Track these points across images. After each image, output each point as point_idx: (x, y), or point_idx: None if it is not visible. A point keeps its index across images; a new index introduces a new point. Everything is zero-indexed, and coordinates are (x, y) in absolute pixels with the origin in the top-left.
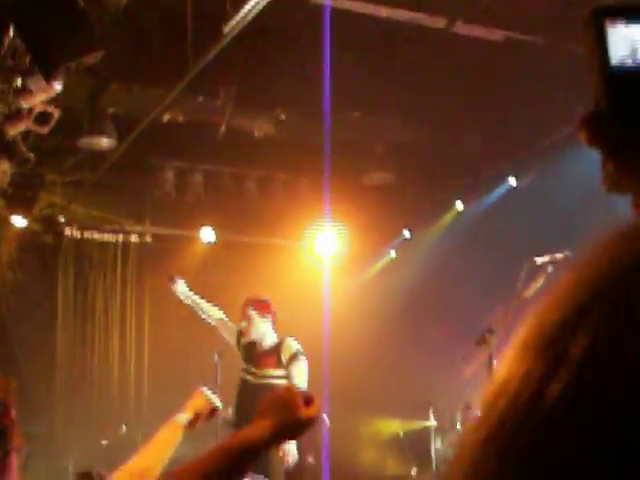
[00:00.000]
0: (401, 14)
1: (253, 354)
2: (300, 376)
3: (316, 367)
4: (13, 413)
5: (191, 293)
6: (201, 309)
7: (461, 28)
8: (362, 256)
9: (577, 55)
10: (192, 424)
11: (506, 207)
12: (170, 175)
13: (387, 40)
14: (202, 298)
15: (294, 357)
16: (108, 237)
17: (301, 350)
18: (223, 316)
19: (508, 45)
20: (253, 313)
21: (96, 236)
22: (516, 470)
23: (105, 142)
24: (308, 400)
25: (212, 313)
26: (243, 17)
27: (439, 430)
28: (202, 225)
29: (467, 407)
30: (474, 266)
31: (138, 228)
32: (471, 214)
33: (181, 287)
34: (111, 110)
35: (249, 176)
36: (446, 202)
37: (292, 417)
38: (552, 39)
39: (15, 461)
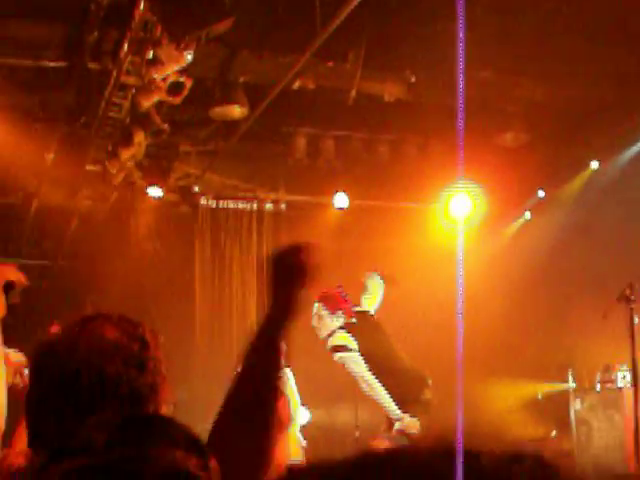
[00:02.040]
0: None
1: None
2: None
3: (451, 331)
4: (163, 368)
5: None
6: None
7: None
8: (497, 218)
9: None
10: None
11: None
12: (302, 142)
13: None
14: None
15: (336, 349)
16: (243, 205)
17: (347, 346)
18: None
19: None
20: (323, 311)
21: (231, 205)
22: None
23: (237, 111)
24: (295, 250)
25: None
26: None
27: (578, 392)
28: (335, 191)
29: (607, 368)
30: (610, 226)
31: (272, 196)
32: (607, 172)
33: None
34: (242, 79)
35: (380, 140)
36: (581, 161)
37: (280, 271)
38: None
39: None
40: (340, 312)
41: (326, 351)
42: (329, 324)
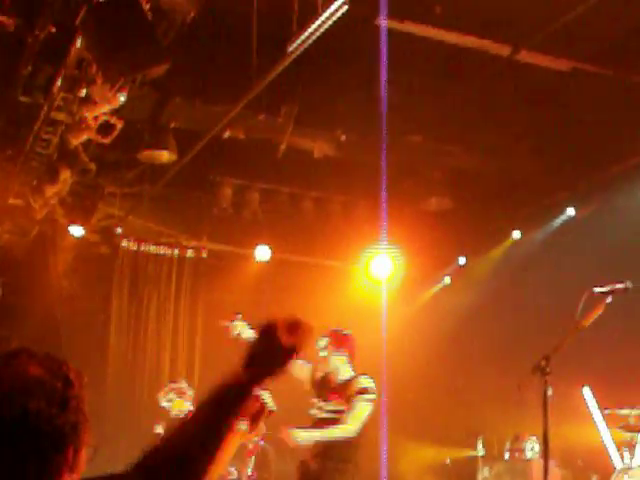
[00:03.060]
0: (466, 40)
1: (324, 389)
2: (358, 412)
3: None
4: (85, 408)
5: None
6: None
7: (526, 56)
8: (417, 281)
9: (635, 85)
10: (251, 429)
11: (563, 238)
12: (228, 192)
13: (451, 65)
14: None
15: (361, 392)
16: (164, 250)
17: (372, 388)
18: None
19: (574, 75)
20: (328, 345)
21: (152, 249)
22: None
23: (166, 156)
24: (292, 327)
25: None
26: (307, 37)
27: (487, 459)
28: (258, 243)
29: (517, 437)
30: (529, 295)
31: (194, 243)
32: (527, 243)
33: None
34: (173, 124)
35: (306, 196)
36: (503, 230)
37: (268, 344)
38: (618, 69)
39: (84, 458)
40: (343, 349)
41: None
42: (333, 360)
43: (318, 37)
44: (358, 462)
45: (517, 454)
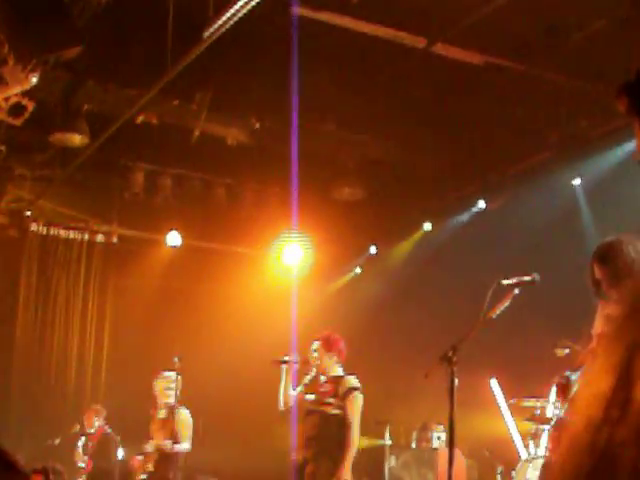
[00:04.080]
0: (382, 31)
1: (314, 387)
2: (353, 411)
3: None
4: None
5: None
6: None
7: (441, 49)
8: (328, 269)
9: (554, 83)
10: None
11: (474, 230)
12: (140, 177)
13: (367, 56)
14: None
15: (350, 392)
16: (74, 235)
17: (359, 387)
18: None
19: (487, 69)
20: (320, 348)
21: (62, 233)
22: None
23: (77, 139)
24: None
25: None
26: (224, 23)
27: (394, 448)
28: (169, 229)
29: (424, 427)
30: (439, 287)
31: (105, 228)
32: (439, 235)
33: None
34: (85, 107)
35: (219, 183)
36: (414, 221)
37: None
38: (530, 65)
39: None
40: (333, 351)
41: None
42: (327, 362)
43: (234, 24)
44: (336, 457)
45: (424, 443)
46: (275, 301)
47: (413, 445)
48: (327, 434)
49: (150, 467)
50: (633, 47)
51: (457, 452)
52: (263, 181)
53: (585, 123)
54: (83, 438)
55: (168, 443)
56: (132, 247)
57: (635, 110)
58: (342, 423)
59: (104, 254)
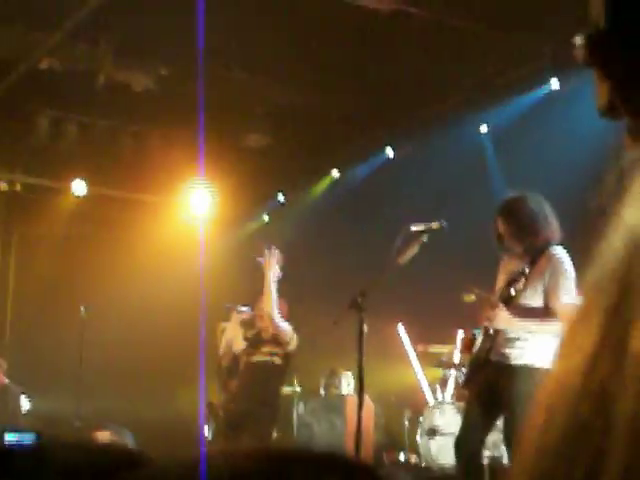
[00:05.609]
0: None
1: (257, 341)
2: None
3: (192, 325)
4: None
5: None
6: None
7: None
8: (236, 217)
9: (462, 30)
10: None
11: (382, 177)
12: (44, 124)
13: (276, 1)
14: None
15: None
16: None
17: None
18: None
19: (396, 16)
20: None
21: None
22: None
23: None
24: None
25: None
26: None
27: (302, 395)
28: (74, 177)
29: (332, 373)
30: (348, 234)
31: (8, 176)
32: (347, 182)
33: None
34: None
35: (125, 130)
36: (322, 169)
37: None
38: (437, 13)
39: None
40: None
41: None
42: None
43: None
44: (277, 406)
45: (332, 389)
46: (182, 249)
47: (322, 392)
48: (257, 387)
49: None
50: None
51: (366, 398)
52: (170, 129)
53: (492, 70)
54: None
55: None
56: (37, 196)
57: (595, 61)
58: None
59: (7, 203)
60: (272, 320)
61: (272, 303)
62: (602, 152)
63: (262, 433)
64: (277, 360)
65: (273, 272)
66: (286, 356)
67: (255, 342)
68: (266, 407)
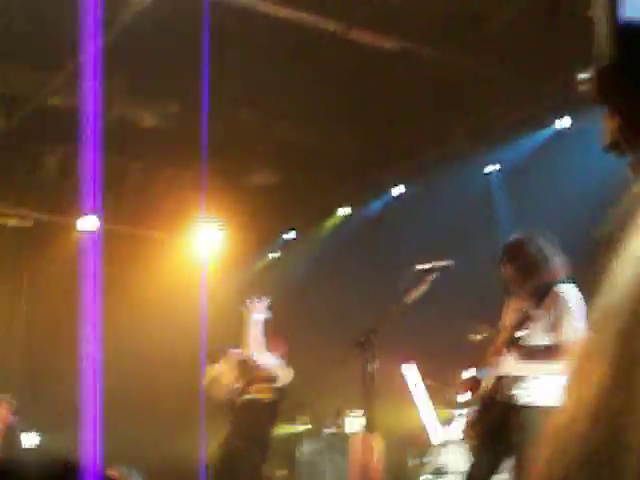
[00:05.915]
0: (297, 16)
1: (249, 380)
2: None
3: (194, 359)
4: None
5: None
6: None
7: (357, 34)
8: (244, 254)
9: (468, 70)
10: None
11: (391, 215)
12: (53, 160)
13: (281, 40)
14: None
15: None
16: None
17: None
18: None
19: (401, 54)
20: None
21: None
22: None
23: None
24: None
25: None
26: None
27: (307, 434)
28: (82, 213)
29: (338, 412)
30: (355, 272)
31: (19, 212)
32: (355, 220)
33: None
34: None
35: (134, 167)
36: (329, 206)
37: None
38: (445, 52)
39: None
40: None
41: None
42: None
43: (149, 6)
44: (267, 443)
45: (337, 429)
46: (188, 287)
47: (326, 431)
48: (248, 424)
49: None
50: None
51: (374, 436)
52: (178, 166)
53: (501, 110)
54: None
55: None
56: (45, 232)
57: (604, 96)
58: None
59: (18, 239)
60: (252, 359)
61: (250, 343)
62: (611, 186)
63: (253, 470)
64: (265, 397)
65: (254, 315)
66: (276, 392)
67: (247, 381)
68: (256, 444)
